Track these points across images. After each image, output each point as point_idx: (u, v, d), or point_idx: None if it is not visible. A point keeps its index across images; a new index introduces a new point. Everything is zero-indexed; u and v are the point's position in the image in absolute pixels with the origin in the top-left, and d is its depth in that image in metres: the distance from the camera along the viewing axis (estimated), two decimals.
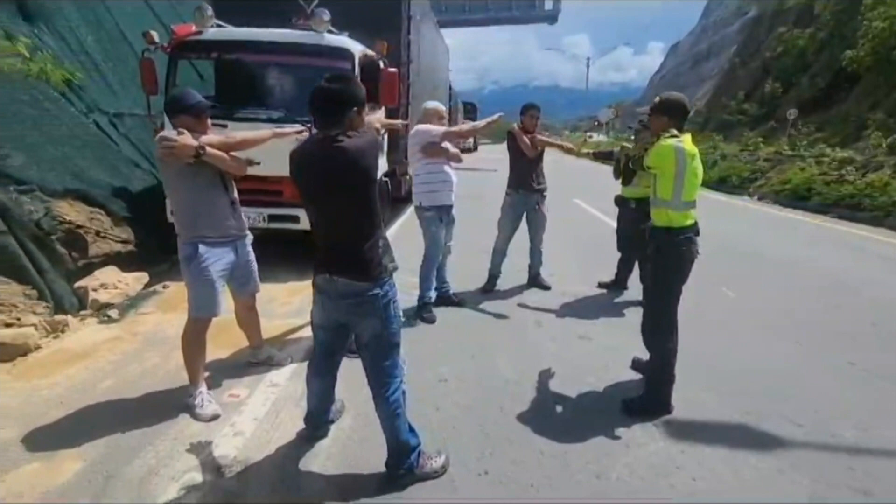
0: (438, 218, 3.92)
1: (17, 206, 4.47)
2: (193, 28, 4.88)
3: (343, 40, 5.05)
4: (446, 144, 3.97)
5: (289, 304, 4.26)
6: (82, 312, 4.06)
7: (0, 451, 2.32)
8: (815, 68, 21.02)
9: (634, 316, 4.13)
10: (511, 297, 4.62)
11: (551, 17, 29.04)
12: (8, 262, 4.16)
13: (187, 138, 2.44)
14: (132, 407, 2.72)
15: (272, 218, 4.87)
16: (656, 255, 2.79)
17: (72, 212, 5.18)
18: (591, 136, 36.91)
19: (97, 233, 5.34)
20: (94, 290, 4.20)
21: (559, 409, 2.84)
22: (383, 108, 5.89)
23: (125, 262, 5.12)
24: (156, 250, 5.64)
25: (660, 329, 2.80)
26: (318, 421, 2.47)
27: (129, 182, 5.92)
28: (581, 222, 8.42)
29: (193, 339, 2.66)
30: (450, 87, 13.80)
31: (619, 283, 4.81)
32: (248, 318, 3.07)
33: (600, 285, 4.88)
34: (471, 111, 25.67)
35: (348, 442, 2.45)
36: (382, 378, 2.12)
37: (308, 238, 2.26)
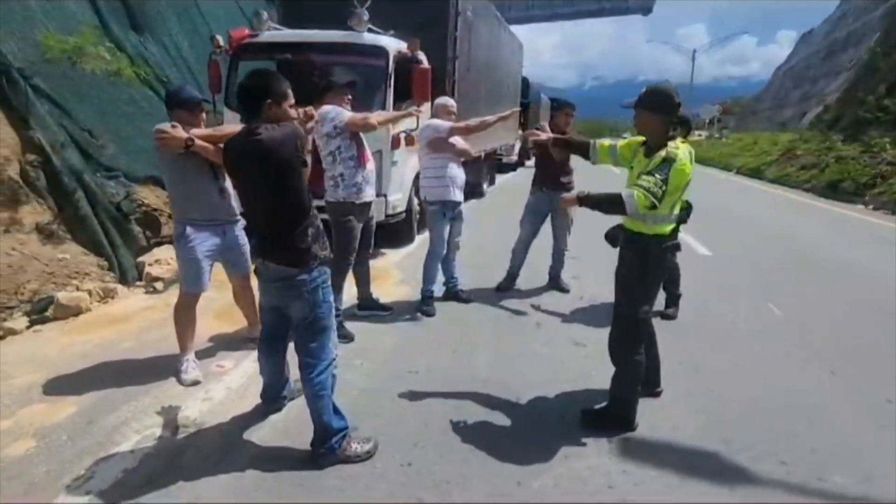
0: (442, 213, 3.96)
1: (101, 190, 5.23)
2: (247, 32, 5.34)
3: (378, 39, 5.24)
4: (456, 139, 3.98)
5: None
6: (137, 283, 4.67)
7: (24, 391, 2.80)
8: None
9: None
10: (525, 297, 4.52)
11: (645, 9, 27.00)
12: (89, 237, 4.90)
13: (178, 131, 2.74)
14: (136, 367, 3.11)
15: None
16: (639, 261, 2.58)
17: (151, 196, 5.95)
18: (698, 135, 34.20)
19: (170, 216, 6.08)
20: (150, 265, 4.79)
21: (516, 411, 2.76)
22: (427, 104, 6.01)
23: None
24: None
25: (630, 340, 2.61)
26: (272, 397, 2.65)
27: None
28: None
29: (182, 312, 2.98)
30: (527, 84, 13.57)
31: None
32: (243, 297, 3.35)
33: None
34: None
35: (295, 419, 2.59)
36: (309, 359, 2.23)
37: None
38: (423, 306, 4.04)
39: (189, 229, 2.88)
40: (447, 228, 4.02)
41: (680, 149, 2.37)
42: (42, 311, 3.92)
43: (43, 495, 2.04)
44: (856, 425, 2.73)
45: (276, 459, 2.30)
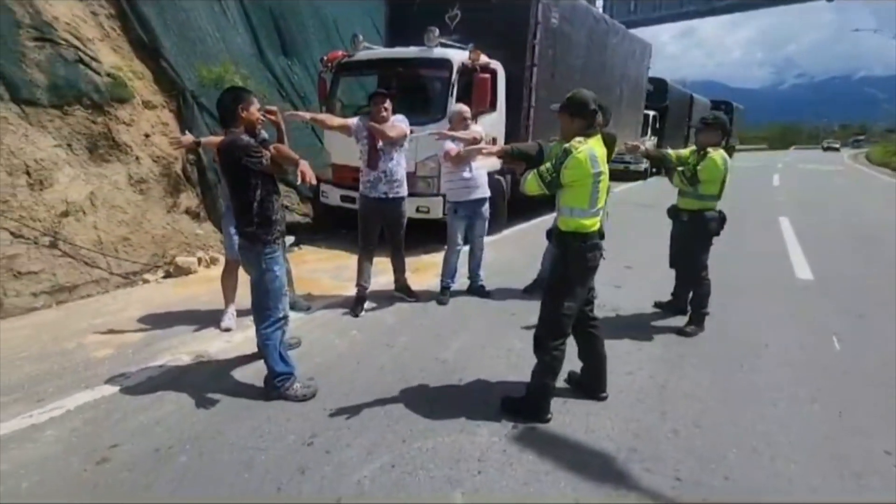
0: (455, 210, 4.32)
1: None
2: (341, 53, 6.31)
3: (444, 52, 5.75)
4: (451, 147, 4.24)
5: (324, 270, 5.27)
6: None
7: (127, 320, 3.96)
8: None
9: (649, 341, 3.75)
10: None
11: None
12: (219, 219, 6.34)
13: (187, 137, 3.62)
14: (200, 314, 4.10)
15: None
16: (564, 259, 2.69)
17: None
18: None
19: (286, 207, 7.40)
20: None
21: (452, 390, 3.02)
22: (499, 112, 6.34)
23: (302, 231, 7.03)
24: (329, 225, 7.48)
25: (551, 335, 2.70)
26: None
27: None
28: (744, 245, 7.03)
29: (224, 274, 3.87)
30: (665, 87, 12.65)
31: (675, 304, 4.23)
32: None
33: (656, 305, 4.37)
34: (725, 111, 22.16)
35: None
36: (258, 314, 2.85)
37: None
38: (439, 296, 4.44)
39: (225, 210, 3.76)
40: (462, 227, 4.36)
41: (584, 145, 2.48)
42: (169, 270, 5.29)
43: (98, 383, 3.01)
44: (816, 468, 2.39)
45: (243, 390, 2.97)
